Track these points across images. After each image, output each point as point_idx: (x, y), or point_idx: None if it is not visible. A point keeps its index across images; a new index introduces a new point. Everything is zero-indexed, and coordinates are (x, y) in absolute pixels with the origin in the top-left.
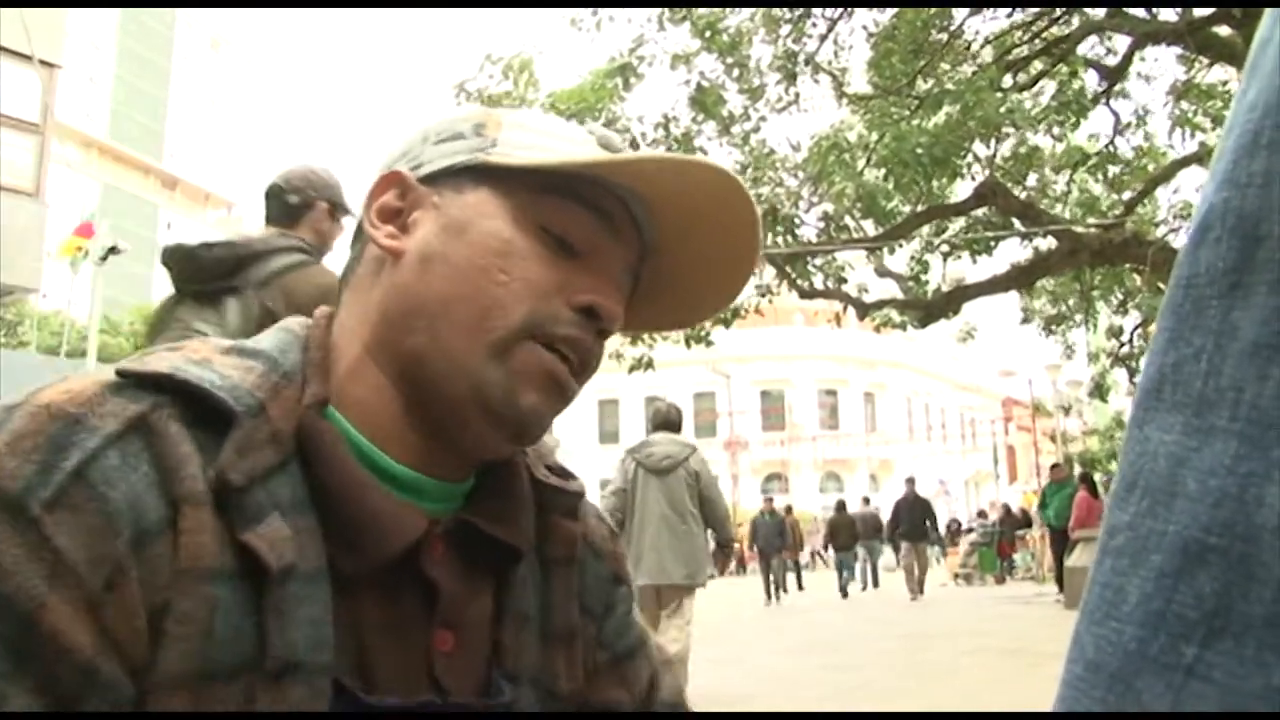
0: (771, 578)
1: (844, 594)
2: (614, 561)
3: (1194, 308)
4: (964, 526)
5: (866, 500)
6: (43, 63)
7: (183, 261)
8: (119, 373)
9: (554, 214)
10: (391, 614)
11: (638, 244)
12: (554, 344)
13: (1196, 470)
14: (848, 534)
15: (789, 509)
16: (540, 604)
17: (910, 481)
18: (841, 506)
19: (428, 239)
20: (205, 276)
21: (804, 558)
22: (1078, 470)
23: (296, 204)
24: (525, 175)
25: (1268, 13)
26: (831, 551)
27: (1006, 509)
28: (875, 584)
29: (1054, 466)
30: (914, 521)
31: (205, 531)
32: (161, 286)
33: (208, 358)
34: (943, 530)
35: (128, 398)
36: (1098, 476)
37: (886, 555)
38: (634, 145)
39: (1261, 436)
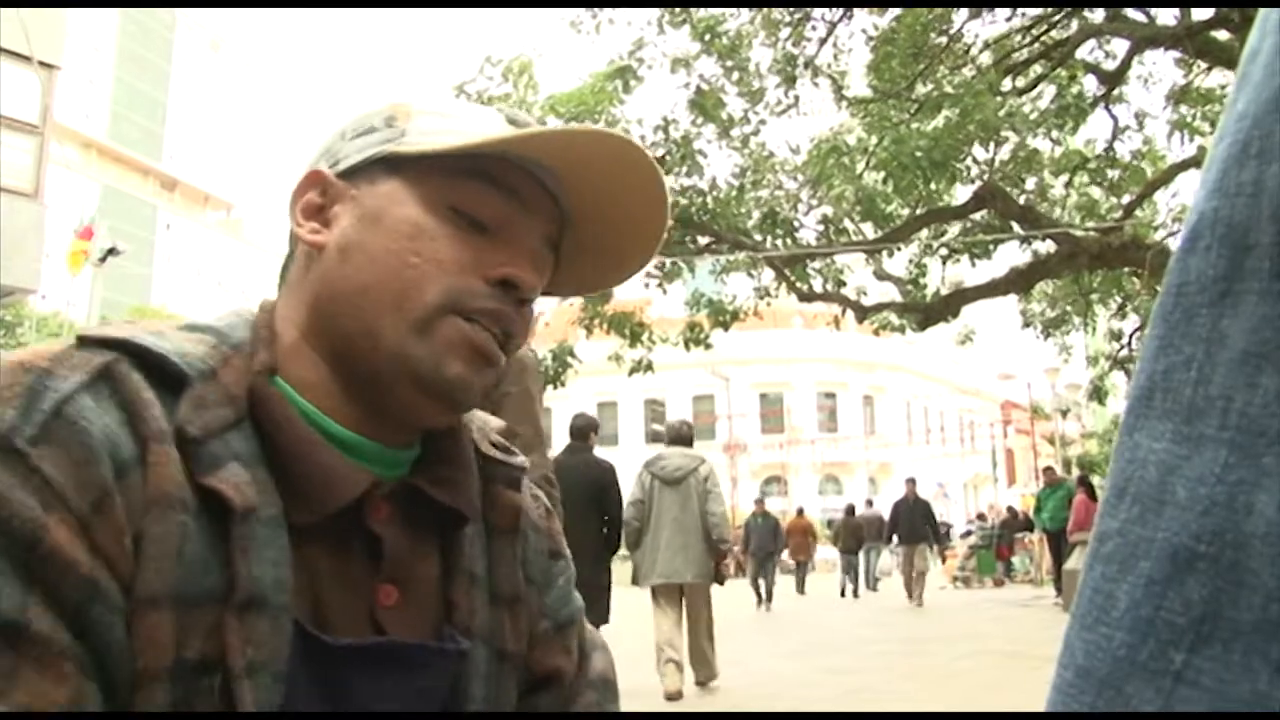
0: (762, 583)
1: (854, 594)
2: (550, 537)
3: (1184, 315)
4: (959, 531)
5: (870, 503)
6: (42, 64)
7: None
8: (79, 338)
9: (464, 195)
10: (340, 565)
11: (554, 214)
12: (473, 317)
13: (1186, 478)
14: (854, 536)
15: (800, 511)
16: (487, 568)
17: (910, 482)
18: (851, 510)
19: (346, 231)
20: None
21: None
22: (1076, 473)
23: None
24: (432, 160)
25: (1256, 25)
26: (838, 554)
27: (1011, 511)
28: (870, 587)
29: (1046, 469)
30: (913, 524)
31: (171, 464)
32: (160, 287)
33: (162, 330)
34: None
35: (91, 352)
36: (1096, 480)
37: (884, 559)
38: None
39: (1251, 445)
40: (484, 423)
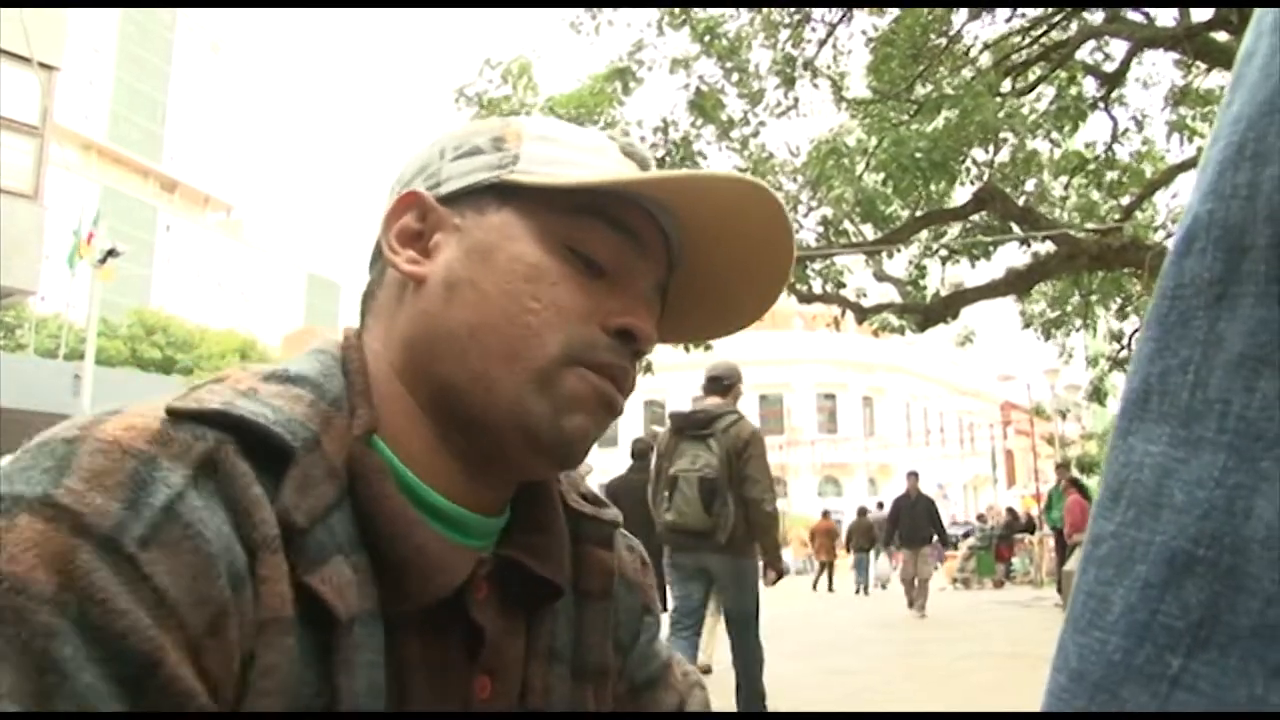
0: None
1: (865, 592)
2: (644, 593)
3: (1180, 318)
4: (953, 534)
5: (881, 505)
6: (42, 65)
7: (683, 417)
8: (170, 411)
9: (580, 233)
10: (434, 658)
11: (665, 258)
12: (593, 370)
13: (1184, 482)
14: (865, 537)
15: (825, 514)
16: (573, 640)
17: (913, 477)
18: (863, 512)
19: (452, 264)
20: (696, 426)
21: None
22: (1071, 474)
23: (727, 384)
24: (549, 193)
25: (1251, 26)
26: (851, 554)
27: (1012, 513)
28: (865, 592)
29: (1059, 467)
30: (915, 524)
31: (282, 580)
32: (160, 289)
33: (254, 387)
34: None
35: (190, 434)
36: (1095, 480)
37: (881, 564)
38: None
39: (1249, 449)
40: (571, 474)
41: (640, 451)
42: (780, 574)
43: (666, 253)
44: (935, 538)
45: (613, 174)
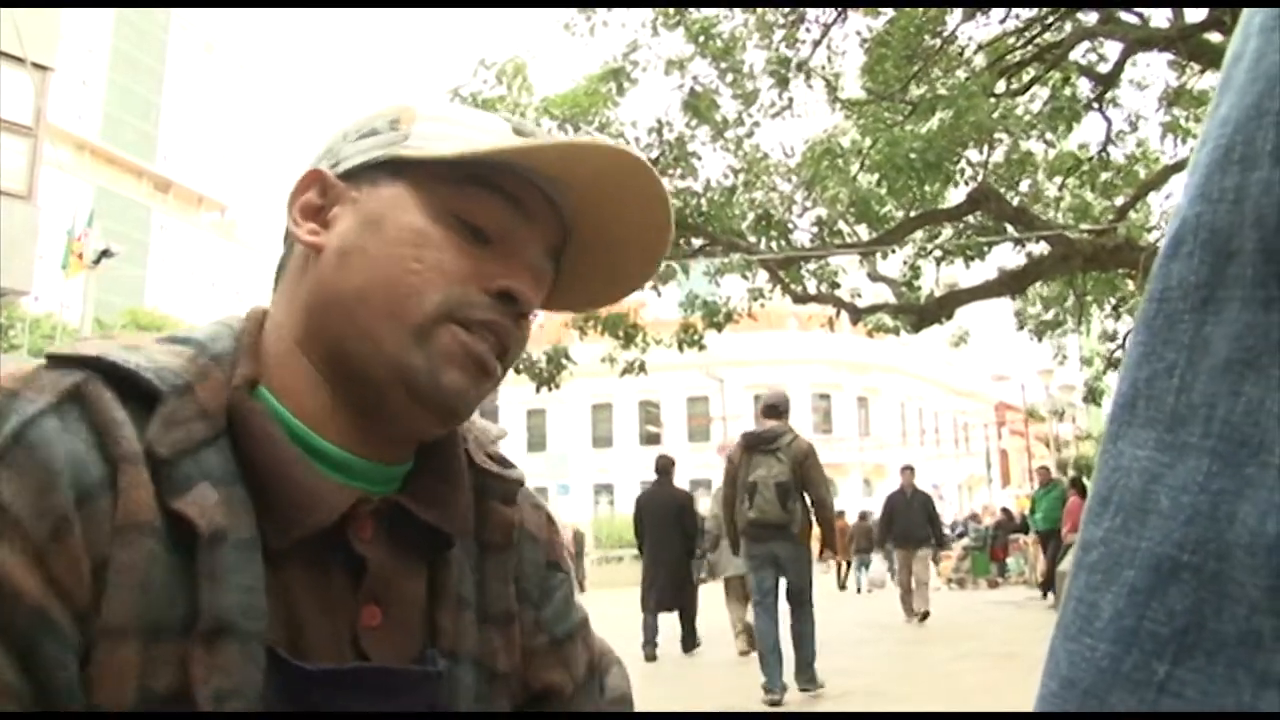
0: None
1: (867, 590)
2: (550, 549)
3: (1166, 322)
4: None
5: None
6: (35, 65)
7: (754, 436)
8: (50, 355)
9: (467, 203)
10: (320, 587)
11: (556, 226)
12: (472, 328)
13: (1169, 487)
14: (866, 539)
15: (863, 515)
16: (478, 587)
17: (908, 471)
18: (864, 515)
19: (346, 234)
20: (765, 443)
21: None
22: (1070, 474)
23: (782, 410)
24: (436, 166)
25: (1238, 28)
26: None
27: (1006, 513)
28: (860, 591)
29: (1041, 469)
30: (910, 523)
31: (142, 488)
32: (154, 289)
33: (138, 345)
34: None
35: (61, 372)
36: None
37: (874, 567)
38: None
39: (1234, 454)
40: (482, 432)
41: (663, 468)
42: (835, 556)
43: (557, 221)
44: (932, 538)
45: (492, 144)
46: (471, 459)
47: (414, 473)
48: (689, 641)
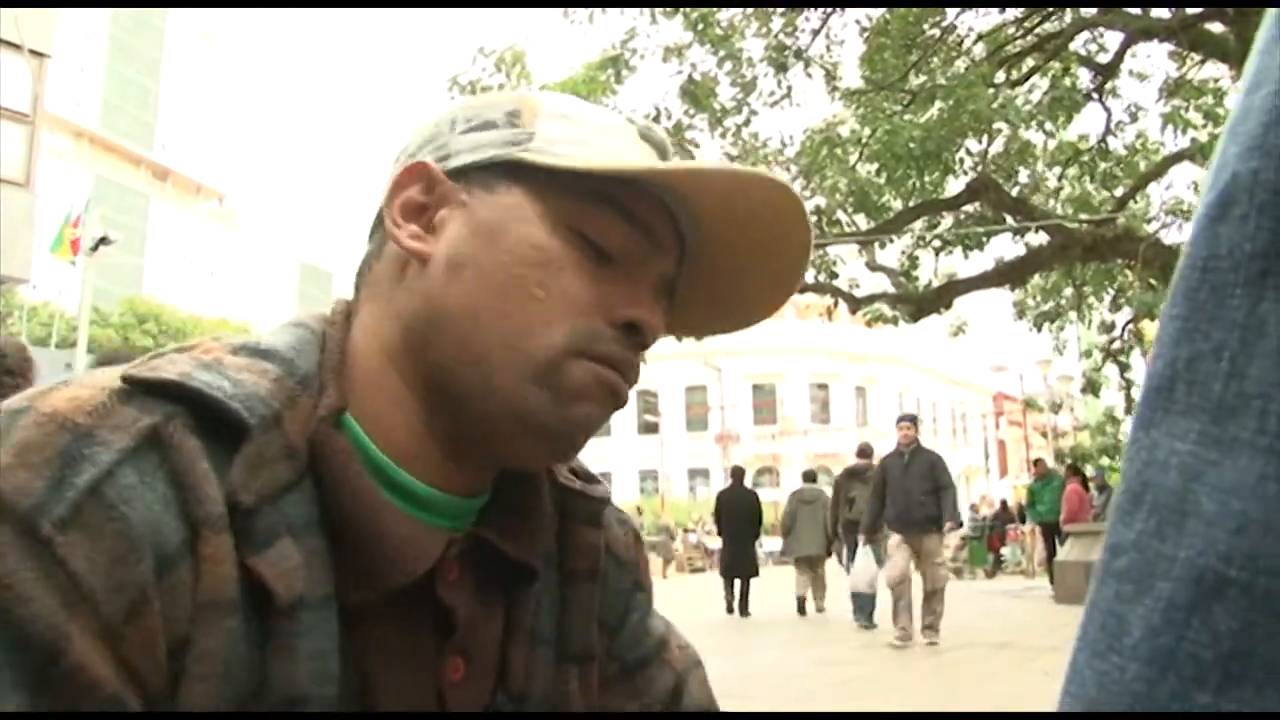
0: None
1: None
2: (636, 570)
3: (1213, 295)
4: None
5: None
6: (33, 52)
7: (851, 470)
8: (126, 379)
9: (592, 219)
10: (401, 642)
11: (676, 250)
12: (598, 360)
13: (1214, 488)
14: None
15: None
16: (557, 622)
17: (907, 423)
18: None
19: (457, 242)
20: (860, 471)
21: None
22: (1067, 463)
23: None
24: (564, 176)
25: None
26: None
27: (1004, 504)
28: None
29: (1036, 462)
30: (909, 496)
31: (226, 560)
32: (152, 277)
33: (218, 359)
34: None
35: (138, 407)
36: (1088, 470)
37: (860, 564)
38: None
39: None
40: None
41: (737, 474)
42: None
43: (678, 244)
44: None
45: (630, 160)
46: (554, 478)
47: (493, 503)
48: (745, 604)
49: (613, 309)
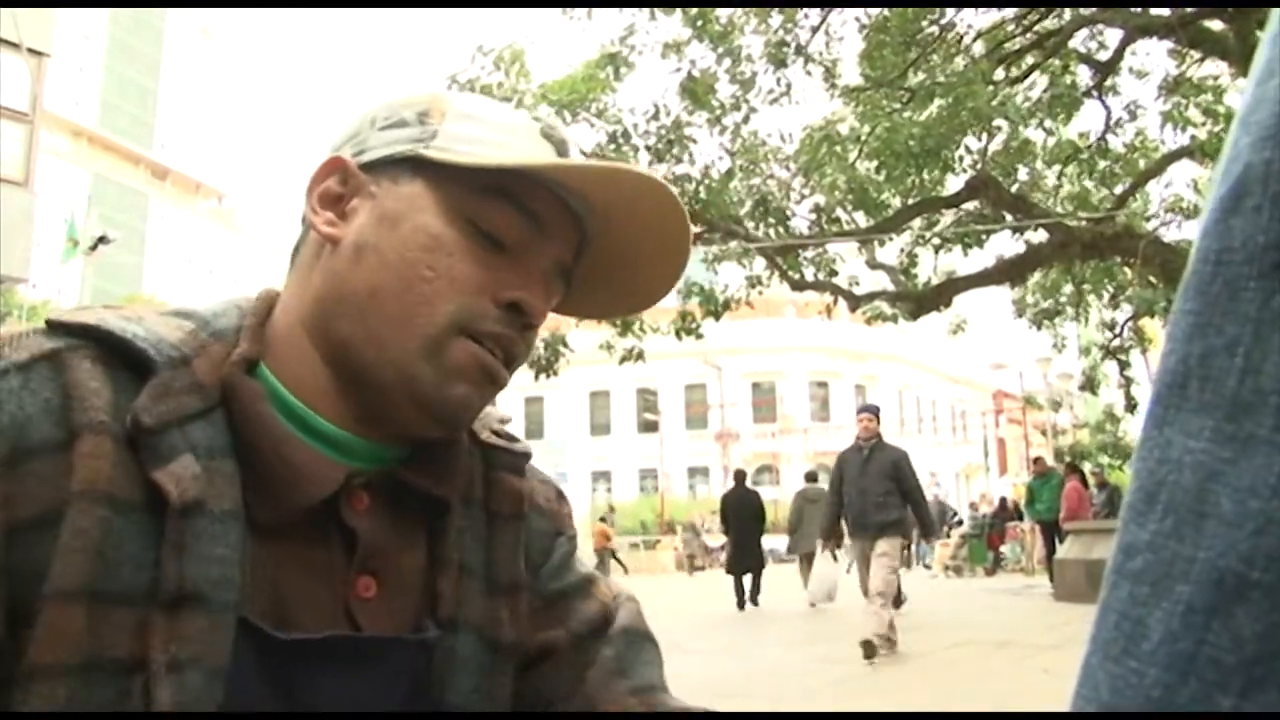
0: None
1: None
2: (557, 519)
3: (1227, 289)
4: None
5: None
6: (32, 51)
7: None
8: (49, 321)
9: (485, 210)
10: (311, 560)
11: (573, 239)
12: (482, 340)
13: (1232, 487)
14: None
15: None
16: (485, 557)
17: (868, 414)
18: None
19: (363, 229)
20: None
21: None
22: (1066, 462)
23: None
24: (461, 171)
25: None
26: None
27: (1004, 502)
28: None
29: (1036, 459)
30: (866, 496)
31: (105, 458)
32: (151, 276)
33: (141, 316)
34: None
35: (47, 337)
36: (1086, 467)
37: (818, 570)
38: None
39: None
40: (484, 413)
41: (739, 475)
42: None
43: (576, 232)
44: (905, 520)
45: (522, 158)
46: (476, 436)
47: (414, 448)
48: (756, 595)
49: (499, 290)
